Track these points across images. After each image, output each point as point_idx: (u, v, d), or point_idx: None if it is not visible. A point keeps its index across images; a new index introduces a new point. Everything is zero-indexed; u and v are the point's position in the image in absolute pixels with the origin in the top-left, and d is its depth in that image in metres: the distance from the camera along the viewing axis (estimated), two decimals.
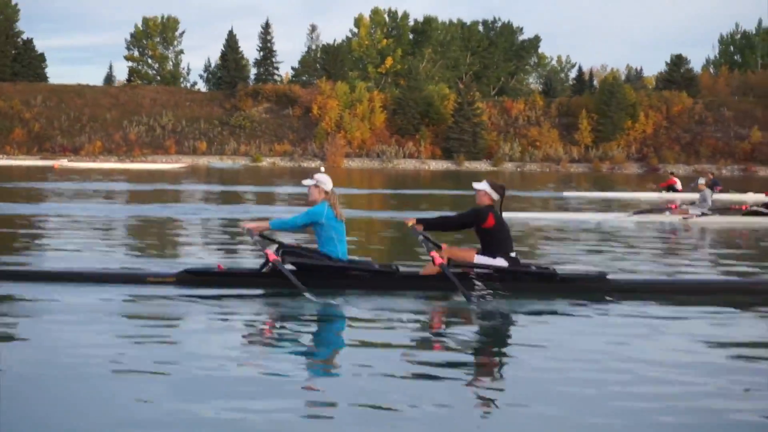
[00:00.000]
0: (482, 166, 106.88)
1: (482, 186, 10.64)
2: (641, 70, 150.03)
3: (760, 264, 14.42)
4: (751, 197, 35.08)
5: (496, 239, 10.37)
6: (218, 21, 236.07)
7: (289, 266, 10.07)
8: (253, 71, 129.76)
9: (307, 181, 10.66)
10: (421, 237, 10.52)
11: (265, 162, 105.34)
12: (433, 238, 10.92)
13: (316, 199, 10.54)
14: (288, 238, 13.10)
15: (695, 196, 36.09)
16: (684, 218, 23.21)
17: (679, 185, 38.84)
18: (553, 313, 9.34)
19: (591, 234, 19.37)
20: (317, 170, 76.57)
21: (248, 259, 13.28)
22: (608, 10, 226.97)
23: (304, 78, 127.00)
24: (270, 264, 10.12)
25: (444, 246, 10.62)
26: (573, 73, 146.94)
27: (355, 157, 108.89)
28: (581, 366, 6.98)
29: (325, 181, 10.58)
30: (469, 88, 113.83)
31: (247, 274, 10.59)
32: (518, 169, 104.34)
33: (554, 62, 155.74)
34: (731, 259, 14.98)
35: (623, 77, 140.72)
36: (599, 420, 5.60)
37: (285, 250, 10.32)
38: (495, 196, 10.57)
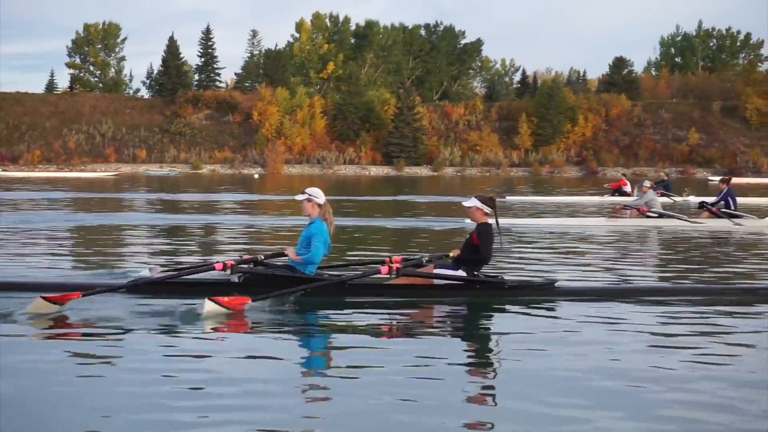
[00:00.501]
0: (423, 171, 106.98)
1: (472, 203, 10.57)
2: (585, 73, 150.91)
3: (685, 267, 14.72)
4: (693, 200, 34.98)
5: (481, 257, 10.45)
6: (162, 26, 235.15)
7: (234, 278, 10.31)
8: (196, 77, 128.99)
9: (299, 196, 10.51)
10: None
11: (206, 169, 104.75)
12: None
13: (310, 213, 10.46)
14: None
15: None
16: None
17: (628, 188, 38.69)
18: (502, 320, 9.47)
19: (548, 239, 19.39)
20: (251, 177, 76.26)
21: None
22: (553, 12, 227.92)
23: (247, 84, 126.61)
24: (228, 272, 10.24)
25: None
26: (517, 77, 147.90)
27: (296, 164, 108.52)
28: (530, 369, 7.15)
29: (318, 194, 10.46)
30: (409, 93, 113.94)
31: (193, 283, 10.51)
32: (458, 174, 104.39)
33: (498, 66, 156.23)
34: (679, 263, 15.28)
35: (566, 80, 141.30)
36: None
37: (238, 265, 10.32)
38: (487, 209, 10.54)
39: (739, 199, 26.94)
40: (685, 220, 22.95)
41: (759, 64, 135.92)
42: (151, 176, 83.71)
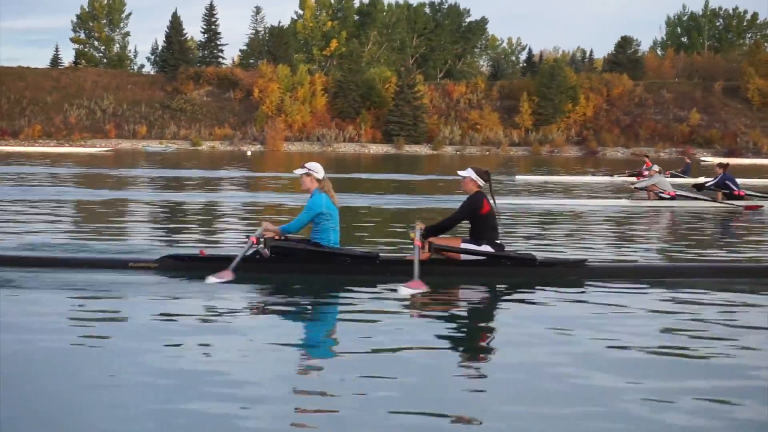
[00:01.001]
0: (422, 149, 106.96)
1: (467, 173, 10.68)
2: (592, 52, 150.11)
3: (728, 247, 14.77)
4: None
5: (486, 226, 10.50)
6: (169, 3, 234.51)
7: (267, 252, 10.34)
8: (199, 54, 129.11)
9: (298, 171, 10.52)
10: (418, 235, 10.48)
11: (205, 146, 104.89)
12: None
13: (309, 187, 10.47)
14: None
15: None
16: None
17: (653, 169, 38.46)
18: (532, 298, 9.42)
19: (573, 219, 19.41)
20: (245, 154, 76.37)
21: (229, 245, 13.20)
22: None
23: (252, 61, 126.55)
24: (253, 248, 10.27)
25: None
26: (524, 56, 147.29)
27: (295, 141, 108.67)
28: (558, 349, 7.09)
29: (317, 169, 10.45)
30: (410, 71, 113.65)
31: (228, 258, 10.36)
32: (458, 153, 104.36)
33: (505, 44, 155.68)
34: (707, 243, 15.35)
35: (570, 59, 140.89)
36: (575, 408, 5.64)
37: (271, 241, 10.39)
38: (481, 182, 10.66)
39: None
40: (702, 199, 23.22)
41: (765, 44, 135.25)
42: (148, 152, 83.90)
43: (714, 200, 23.17)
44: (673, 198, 23.47)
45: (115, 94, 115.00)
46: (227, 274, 9.69)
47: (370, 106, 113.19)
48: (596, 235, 16.21)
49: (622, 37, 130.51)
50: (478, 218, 10.49)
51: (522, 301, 9.37)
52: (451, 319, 8.52)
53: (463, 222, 10.67)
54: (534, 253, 11.08)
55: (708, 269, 11.13)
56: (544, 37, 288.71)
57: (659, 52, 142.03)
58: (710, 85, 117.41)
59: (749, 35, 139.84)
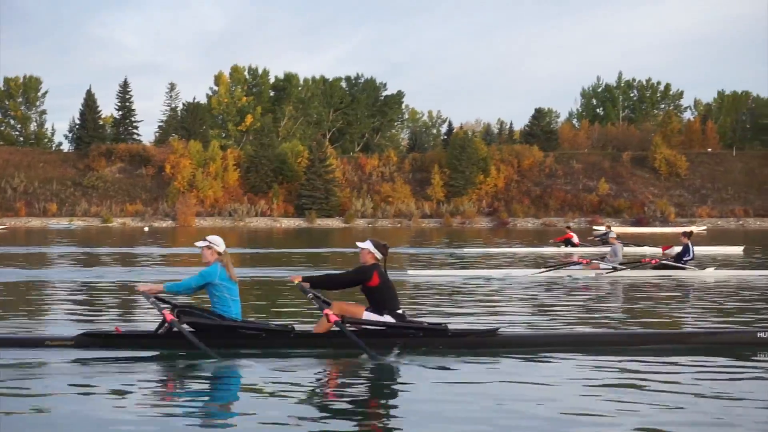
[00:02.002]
0: (334, 223, 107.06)
1: (366, 245, 10.74)
2: (512, 124, 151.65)
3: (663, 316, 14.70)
4: (649, 251, 35.19)
5: (382, 297, 10.47)
6: (85, 80, 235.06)
7: (185, 326, 10.06)
8: (113, 131, 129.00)
9: (199, 243, 10.60)
10: (310, 294, 10.46)
11: (116, 222, 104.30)
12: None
13: (209, 260, 10.49)
14: (183, 299, 12.94)
15: (591, 250, 36.10)
16: (596, 273, 23.09)
17: (576, 239, 38.63)
18: (444, 367, 9.38)
19: (498, 290, 19.05)
20: (142, 230, 75.83)
21: (144, 322, 12.94)
22: (481, 66, 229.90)
23: (173, 137, 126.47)
24: (167, 324, 10.12)
25: (333, 303, 10.53)
26: (444, 128, 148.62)
27: (207, 216, 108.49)
28: (469, 415, 7.15)
29: (218, 242, 10.52)
30: (321, 145, 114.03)
31: (144, 335, 10.53)
32: (370, 225, 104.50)
33: (426, 117, 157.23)
34: (636, 312, 15.21)
35: (495, 131, 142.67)
36: None
37: (180, 310, 10.22)
38: (378, 255, 10.70)
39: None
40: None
41: (678, 114, 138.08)
42: (52, 229, 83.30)
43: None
44: (614, 270, 23.37)
45: (27, 172, 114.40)
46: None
47: (283, 180, 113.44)
48: (520, 305, 16.18)
49: (536, 109, 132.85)
50: (367, 290, 10.54)
51: (432, 368, 9.39)
52: (353, 388, 8.61)
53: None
54: (451, 323, 11.22)
55: (616, 336, 11.28)
56: (466, 110, 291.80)
57: (575, 123, 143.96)
58: (619, 156, 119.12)
59: (662, 106, 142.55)
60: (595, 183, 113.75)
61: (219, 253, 10.54)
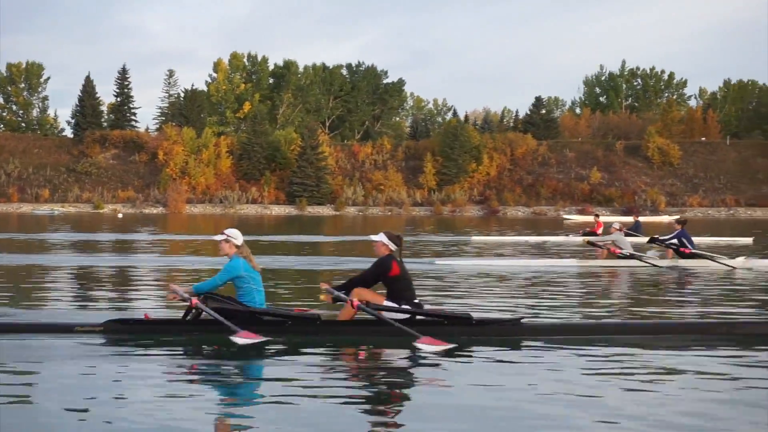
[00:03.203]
0: (325, 210, 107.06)
1: (379, 237, 10.96)
2: (517, 112, 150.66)
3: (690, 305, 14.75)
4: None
5: (400, 287, 10.73)
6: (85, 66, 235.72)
7: (208, 309, 10.31)
8: (112, 116, 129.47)
9: (217, 237, 10.80)
10: (334, 293, 10.70)
11: (107, 209, 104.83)
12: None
13: (228, 253, 10.69)
14: None
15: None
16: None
17: (600, 231, 38.29)
18: (468, 355, 9.51)
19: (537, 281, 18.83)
20: (116, 215, 76.00)
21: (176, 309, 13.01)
22: (489, 54, 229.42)
23: (173, 123, 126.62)
24: (193, 311, 10.36)
25: (354, 292, 10.78)
26: (449, 116, 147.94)
27: (198, 203, 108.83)
28: (493, 404, 7.20)
29: (236, 235, 10.72)
30: (313, 133, 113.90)
31: (172, 322, 10.77)
32: (360, 213, 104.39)
33: (431, 105, 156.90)
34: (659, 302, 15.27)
35: (483, 120, 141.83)
36: None
37: (208, 295, 10.44)
38: (393, 246, 10.92)
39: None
40: (650, 263, 22.87)
41: (682, 103, 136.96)
42: (36, 215, 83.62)
43: (655, 263, 22.99)
44: (630, 257, 23.17)
45: (21, 158, 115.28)
46: (249, 335, 9.78)
47: (276, 167, 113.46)
48: (543, 295, 16.00)
49: (536, 98, 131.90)
50: (388, 280, 10.74)
51: (458, 357, 9.45)
52: (382, 375, 8.63)
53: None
54: (475, 312, 11.27)
55: (638, 326, 11.36)
56: (474, 99, 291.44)
57: (578, 111, 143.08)
58: (612, 144, 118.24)
59: (666, 95, 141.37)
60: (588, 172, 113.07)
61: (237, 246, 10.72)
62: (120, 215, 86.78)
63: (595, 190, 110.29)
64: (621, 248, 23.57)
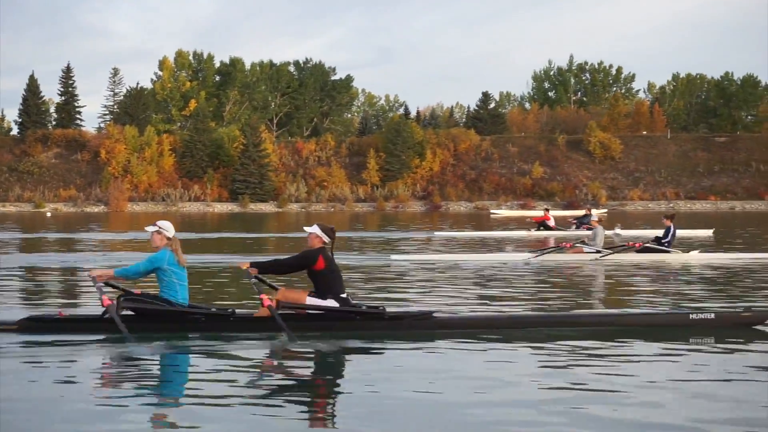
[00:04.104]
0: (267, 207, 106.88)
1: (313, 229, 11.02)
2: (469, 107, 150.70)
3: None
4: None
5: (326, 281, 10.72)
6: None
7: (127, 312, 10.32)
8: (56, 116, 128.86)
9: (149, 228, 10.76)
10: (253, 280, 10.74)
11: (48, 208, 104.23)
12: (270, 280, 11.37)
13: (158, 245, 10.64)
14: (137, 285, 12.92)
15: (566, 233, 36.04)
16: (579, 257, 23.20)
17: (552, 222, 38.71)
18: (380, 349, 9.78)
19: (490, 275, 18.96)
20: (46, 214, 75.69)
21: (91, 306, 13.03)
22: (448, 51, 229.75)
23: (116, 122, 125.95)
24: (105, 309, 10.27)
25: (280, 288, 10.94)
26: (401, 113, 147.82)
27: (140, 201, 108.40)
28: (405, 395, 7.42)
29: (167, 227, 10.69)
30: (255, 129, 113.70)
31: (88, 320, 10.71)
32: (303, 210, 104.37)
33: (382, 101, 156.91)
34: (595, 296, 15.68)
35: (429, 116, 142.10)
36: None
37: (124, 296, 10.42)
38: (326, 239, 10.95)
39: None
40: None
41: (629, 97, 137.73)
42: None
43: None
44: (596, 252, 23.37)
45: None
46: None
47: (219, 165, 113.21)
48: (491, 289, 16.24)
49: (483, 93, 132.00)
50: (313, 274, 10.74)
51: (368, 352, 9.76)
52: (296, 372, 8.93)
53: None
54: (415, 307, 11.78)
55: (546, 319, 11.61)
56: (427, 95, 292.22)
57: (527, 106, 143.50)
58: (555, 139, 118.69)
59: (614, 89, 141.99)
60: (530, 167, 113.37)
61: (168, 239, 10.68)
62: (48, 214, 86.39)
63: (537, 184, 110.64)
64: (592, 245, 23.87)
